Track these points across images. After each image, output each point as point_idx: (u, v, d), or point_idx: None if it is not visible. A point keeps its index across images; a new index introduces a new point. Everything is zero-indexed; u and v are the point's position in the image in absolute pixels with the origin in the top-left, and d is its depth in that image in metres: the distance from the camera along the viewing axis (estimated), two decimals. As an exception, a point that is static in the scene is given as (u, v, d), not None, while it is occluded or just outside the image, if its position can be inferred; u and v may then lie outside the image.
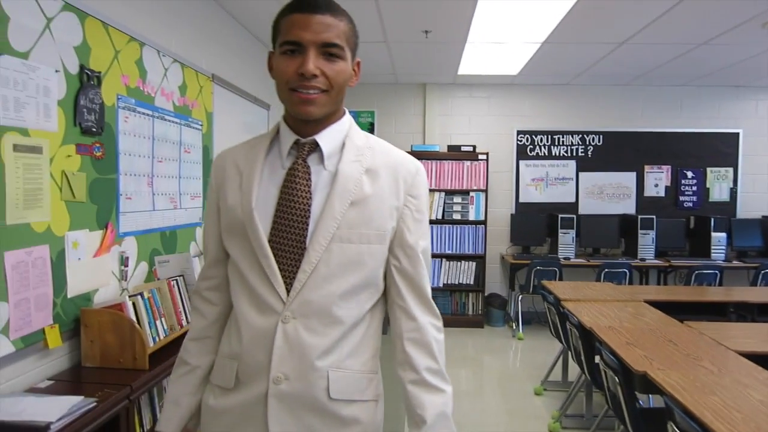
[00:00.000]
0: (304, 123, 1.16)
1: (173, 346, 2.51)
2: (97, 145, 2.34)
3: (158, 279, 2.76)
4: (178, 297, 2.69)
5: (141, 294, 2.41)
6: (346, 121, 1.22)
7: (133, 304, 2.34)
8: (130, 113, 2.60)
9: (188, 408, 1.26)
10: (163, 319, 2.52)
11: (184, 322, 2.68)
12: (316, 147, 1.17)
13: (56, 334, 2.09)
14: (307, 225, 1.13)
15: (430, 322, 1.20)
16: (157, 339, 2.43)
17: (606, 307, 3.52)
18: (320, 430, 1.14)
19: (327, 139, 1.17)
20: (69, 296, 2.18)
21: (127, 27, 2.56)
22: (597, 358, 3.22)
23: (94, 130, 2.30)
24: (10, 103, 1.85)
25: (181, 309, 2.69)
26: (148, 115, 2.76)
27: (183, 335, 2.58)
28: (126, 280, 2.59)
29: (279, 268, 1.13)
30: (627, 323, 3.11)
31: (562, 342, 3.83)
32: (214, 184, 1.25)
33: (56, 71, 2.08)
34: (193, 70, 3.27)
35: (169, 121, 2.98)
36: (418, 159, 1.27)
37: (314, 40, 1.08)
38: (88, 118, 2.27)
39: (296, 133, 1.18)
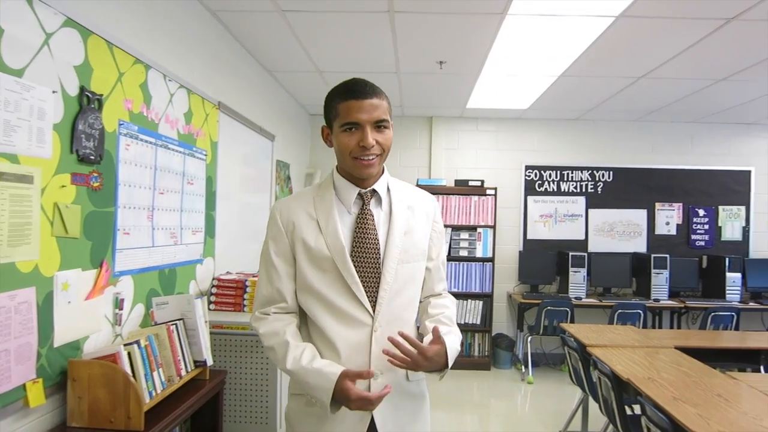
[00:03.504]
0: (362, 179, 1.48)
1: (171, 401, 2.23)
2: (95, 174, 2.11)
3: (155, 323, 2.49)
4: (178, 344, 2.42)
5: (137, 342, 2.13)
6: (386, 171, 1.57)
7: (128, 353, 2.06)
8: (132, 140, 2.37)
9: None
10: (161, 369, 2.24)
11: (183, 372, 2.40)
12: (374, 194, 1.52)
13: (39, 390, 1.82)
14: (380, 255, 1.46)
15: (450, 300, 1.67)
16: (153, 393, 2.15)
17: (636, 354, 3.27)
18: (401, 403, 1.50)
19: (379, 187, 1.52)
20: (55, 345, 1.91)
21: (133, 48, 2.35)
22: (629, 410, 2.99)
23: (92, 158, 2.07)
24: (-1, 125, 1.63)
25: (181, 357, 2.41)
26: (151, 143, 2.54)
27: (182, 387, 2.32)
28: (120, 324, 2.32)
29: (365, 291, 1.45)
30: (665, 374, 2.86)
31: (584, 389, 3.57)
32: (284, 231, 1.50)
33: (53, 92, 1.86)
34: (200, 97, 3.07)
35: (173, 150, 2.76)
36: (425, 193, 1.71)
37: (369, 119, 1.40)
38: (87, 145, 2.04)
39: (357, 186, 1.49)
